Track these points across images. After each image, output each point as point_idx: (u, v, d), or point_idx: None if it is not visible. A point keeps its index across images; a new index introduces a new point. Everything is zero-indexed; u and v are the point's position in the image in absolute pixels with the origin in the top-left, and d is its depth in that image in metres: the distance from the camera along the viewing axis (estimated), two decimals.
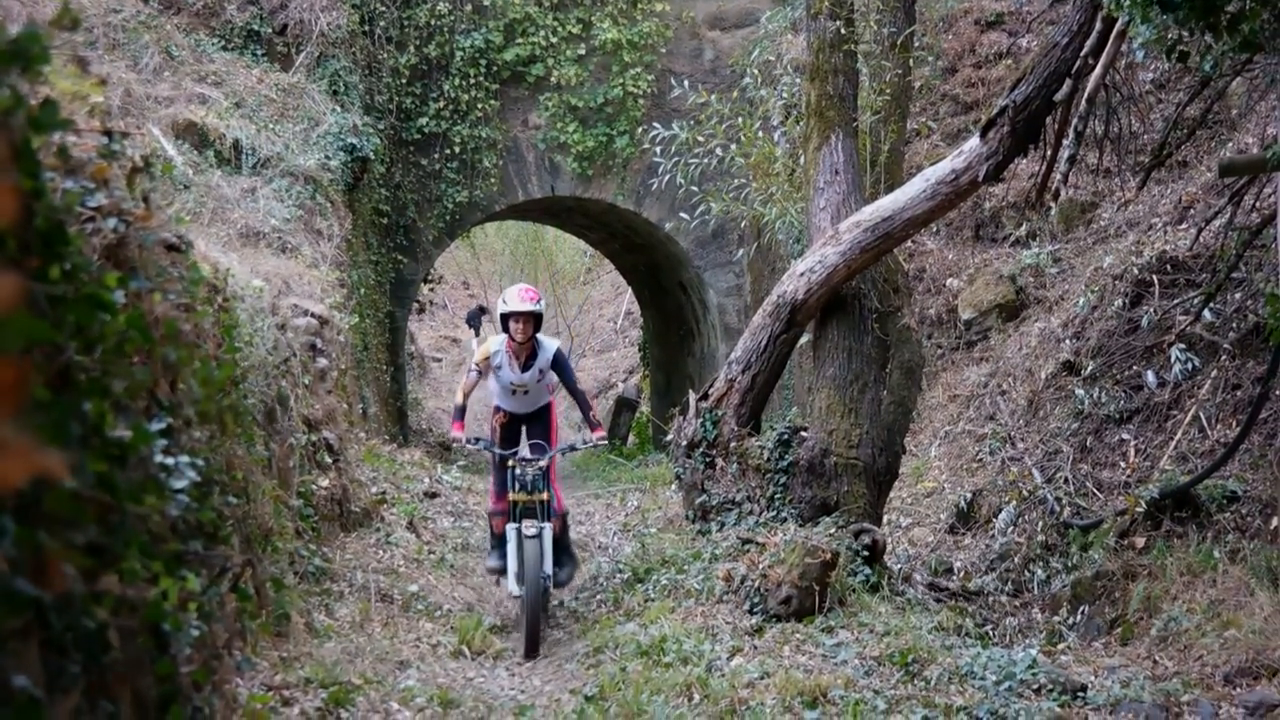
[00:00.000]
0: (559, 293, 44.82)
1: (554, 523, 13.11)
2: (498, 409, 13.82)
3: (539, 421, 13.74)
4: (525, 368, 13.35)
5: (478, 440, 13.45)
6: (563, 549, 13.70)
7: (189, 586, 4.53)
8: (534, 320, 13.17)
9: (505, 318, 13.20)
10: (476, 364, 13.41)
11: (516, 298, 13.15)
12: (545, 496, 12.91)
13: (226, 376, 7.85)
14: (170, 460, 4.55)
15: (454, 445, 14.44)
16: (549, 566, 12.82)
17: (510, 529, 12.90)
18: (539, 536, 12.64)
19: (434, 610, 13.34)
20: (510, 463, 13.06)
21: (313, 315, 14.89)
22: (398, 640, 12.01)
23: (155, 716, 4.21)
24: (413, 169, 26.96)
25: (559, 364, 13.52)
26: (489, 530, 13.91)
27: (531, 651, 12.29)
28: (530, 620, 12.32)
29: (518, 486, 12.93)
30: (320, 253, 17.67)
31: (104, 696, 3.76)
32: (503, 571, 13.35)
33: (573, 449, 14.39)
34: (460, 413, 13.24)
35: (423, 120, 26.79)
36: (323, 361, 14.73)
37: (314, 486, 13.35)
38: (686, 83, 22.67)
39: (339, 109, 21.13)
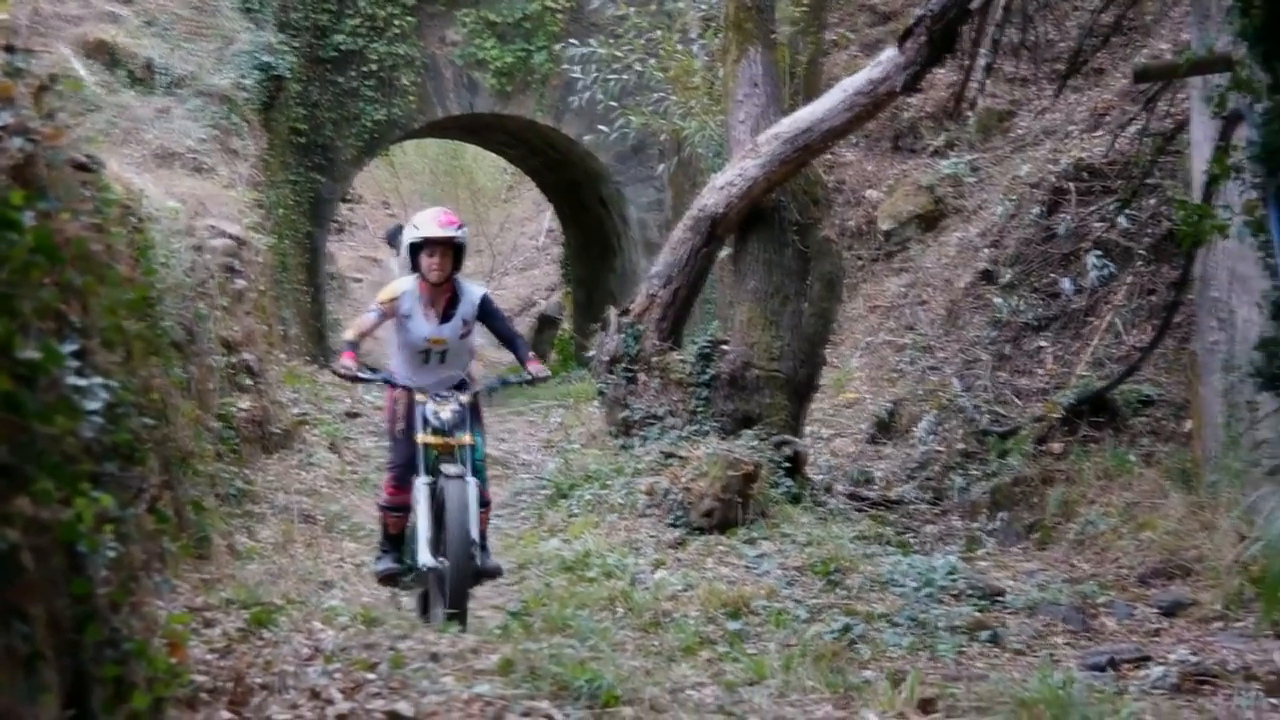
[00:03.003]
0: (480, 211, 44.58)
1: (480, 515, 9.83)
2: (401, 388, 10.20)
3: None
4: (444, 318, 10.05)
5: (374, 371, 10.45)
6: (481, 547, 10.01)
7: (104, 507, 4.51)
8: (453, 253, 9.95)
9: (416, 249, 9.95)
10: (380, 303, 10.12)
11: (431, 222, 9.94)
12: (469, 440, 9.76)
13: (140, 298, 7.79)
14: (83, 381, 4.51)
15: (343, 376, 10.24)
16: (476, 529, 9.55)
17: (419, 483, 9.70)
18: (464, 478, 9.49)
19: (357, 530, 13.34)
20: (420, 397, 9.82)
21: (229, 236, 14.76)
22: (321, 561, 12.00)
23: (71, 637, 4.21)
24: (329, 87, 26.63)
25: (487, 312, 10.20)
26: (381, 530, 10.52)
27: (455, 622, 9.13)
28: (456, 593, 9.30)
29: (429, 427, 9.75)
30: (236, 173, 17.49)
31: (18, 617, 3.75)
32: (398, 577, 10.24)
33: (504, 384, 11.08)
34: (352, 346, 10.04)
35: (338, 37, 26.45)
36: (240, 283, 14.62)
37: (234, 408, 13.27)
38: None
39: (253, 26, 20.84)
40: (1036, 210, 18.31)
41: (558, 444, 18.22)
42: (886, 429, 17.48)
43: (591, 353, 15.75)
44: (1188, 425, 13.68)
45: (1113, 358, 15.82)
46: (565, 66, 23.81)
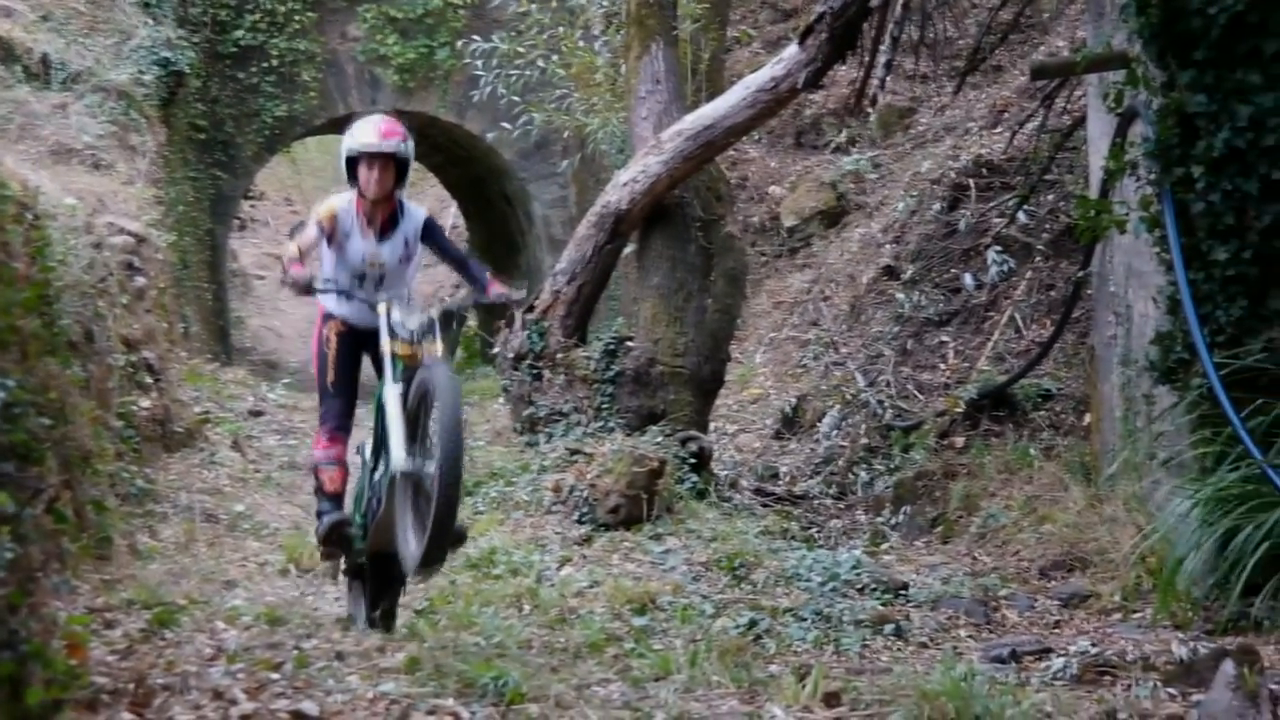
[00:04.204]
0: None
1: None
2: (329, 318, 9.13)
3: None
4: (383, 235, 9.01)
5: (327, 281, 8.93)
6: None
7: (1, 508, 4.46)
8: (396, 168, 8.89)
9: (353, 162, 8.86)
10: (319, 220, 8.93)
11: (370, 132, 8.83)
12: (440, 349, 8.66)
13: (37, 296, 7.71)
14: None
15: (297, 287, 8.75)
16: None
17: (390, 389, 8.47)
18: (448, 365, 8.56)
19: (260, 529, 13.24)
20: (383, 306, 8.66)
21: (129, 233, 14.60)
22: (224, 560, 11.90)
23: None
24: (230, 83, 26.42)
25: (431, 233, 9.24)
26: (317, 490, 9.23)
27: (435, 558, 8.01)
28: (445, 504, 7.70)
29: (396, 337, 8.60)
30: (135, 169, 17.29)
31: None
32: (349, 533, 9.01)
33: (477, 304, 9.58)
34: (298, 259, 8.77)
35: (238, 33, 26.23)
36: (140, 280, 14.46)
37: (135, 407, 13.12)
38: None
39: (151, 21, 20.63)
40: (938, 206, 18.47)
41: None
42: (791, 424, 17.56)
43: (496, 349, 15.70)
44: (1087, 419, 13.84)
45: (1013, 352, 16.00)
46: (468, 62, 23.70)
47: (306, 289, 8.73)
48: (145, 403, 13.54)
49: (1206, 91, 9.19)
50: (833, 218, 21.30)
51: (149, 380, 13.89)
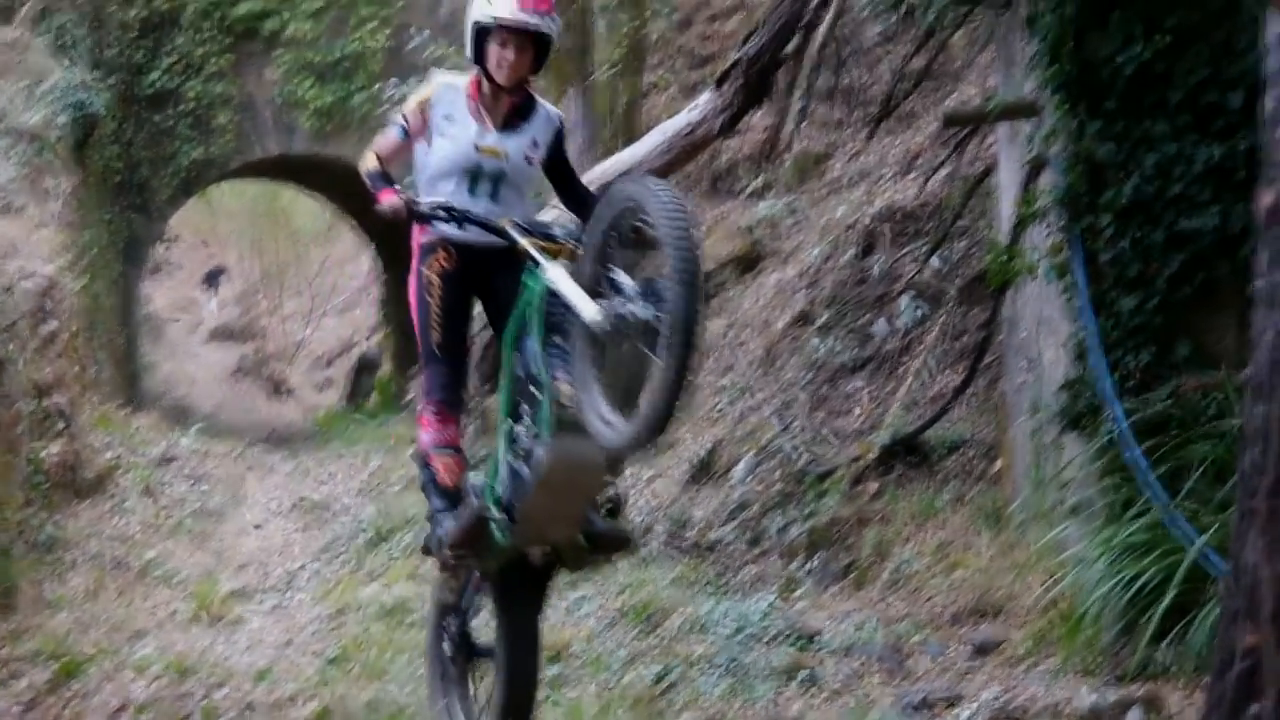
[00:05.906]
0: (299, 250, 44.26)
1: None
2: (430, 250, 7.31)
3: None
4: (507, 128, 7.14)
5: (437, 211, 6.92)
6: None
7: None
8: (536, 49, 7.02)
9: (482, 34, 6.97)
10: (406, 115, 7.22)
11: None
12: (578, 249, 6.54)
13: None
14: None
15: (400, 215, 6.97)
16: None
17: (550, 271, 6.48)
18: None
19: (171, 577, 13.14)
20: (505, 221, 6.80)
21: (40, 277, 14.51)
22: (133, 608, 11.81)
23: None
24: (145, 126, 26.25)
25: (560, 147, 7.36)
26: (428, 484, 7.56)
27: (664, 418, 5.87)
28: (684, 341, 5.79)
29: (529, 233, 6.71)
30: (48, 213, 17.20)
31: None
32: (485, 524, 7.16)
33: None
34: (384, 178, 7.11)
35: (154, 76, 26.08)
36: (51, 324, 14.36)
37: (44, 453, 13.04)
38: (426, 33, 22.46)
39: (66, 64, 20.55)
40: (851, 252, 18.56)
41: (377, 488, 18.08)
42: (705, 470, 17.55)
43: (410, 396, 15.65)
44: (997, 465, 13.93)
45: (925, 399, 16.08)
46: (385, 107, 23.71)
47: (409, 214, 6.97)
48: (55, 448, 13.45)
49: (1115, 140, 9.33)
50: (747, 263, 21.36)
51: (59, 426, 13.79)
